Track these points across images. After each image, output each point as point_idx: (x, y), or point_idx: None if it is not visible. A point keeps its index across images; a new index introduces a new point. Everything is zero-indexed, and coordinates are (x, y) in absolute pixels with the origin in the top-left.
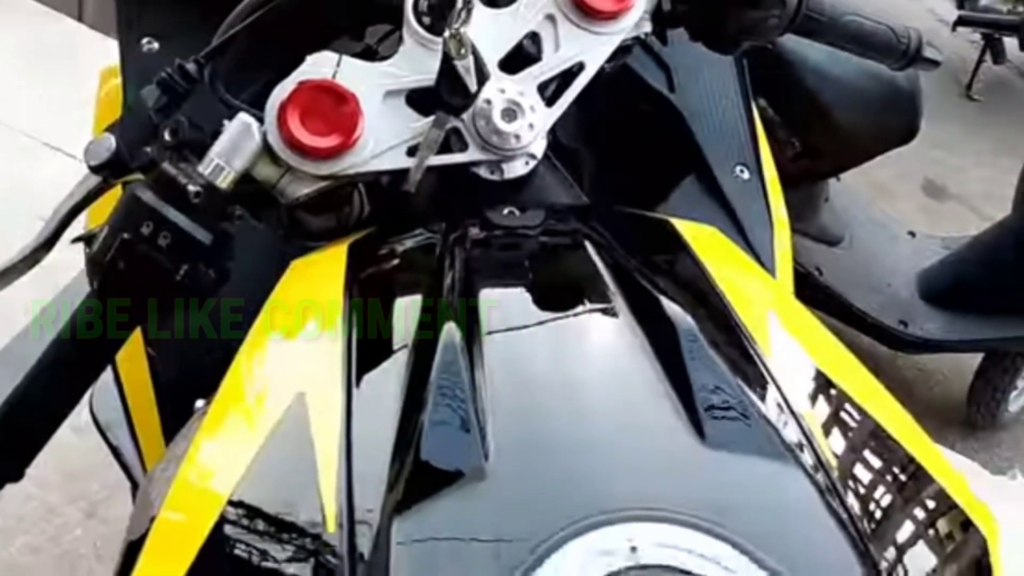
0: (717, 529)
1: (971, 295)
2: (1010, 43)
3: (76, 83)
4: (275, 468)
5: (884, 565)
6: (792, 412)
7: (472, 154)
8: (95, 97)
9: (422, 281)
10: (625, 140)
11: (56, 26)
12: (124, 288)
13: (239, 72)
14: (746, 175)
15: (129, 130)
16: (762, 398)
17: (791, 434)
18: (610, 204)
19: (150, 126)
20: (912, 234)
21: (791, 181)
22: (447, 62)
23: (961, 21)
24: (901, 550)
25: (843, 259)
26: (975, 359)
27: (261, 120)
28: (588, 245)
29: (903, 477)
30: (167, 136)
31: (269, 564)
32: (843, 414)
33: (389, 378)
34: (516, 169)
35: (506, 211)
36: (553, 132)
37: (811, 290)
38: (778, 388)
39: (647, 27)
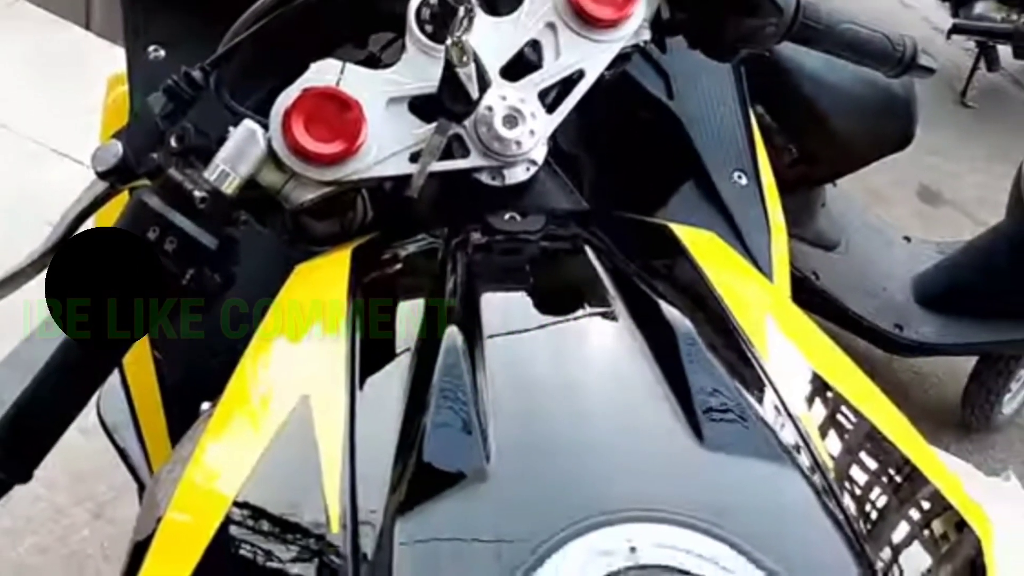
0: (715, 530)
1: (966, 299)
2: (1004, 51)
3: (83, 90)
4: (280, 469)
5: (880, 565)
6: (789, 414)
7: (474, 160)
8: (102, 104)
9: (424, 285)
10: (624, 146)
11: (64, 34)
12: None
13: (244, 79)
14: (744, 181)
15: (136, 136)
16: (759, 401)
17: (788, 436)
18: (610, 209)
19: (156, 132)
20: (907, 239)
21: (788, 187)
22: (449, 69)
23: (956, 29)
24: (897, 550)
25: (839, 264)
26: (969, 362)
27: (266, 127)
28: (588, 250)
29: (898, 478)
30: (173, 142)
31: (274, 564)
32: (839, 416)
33: (392, 381)
34: (517, 175)
35: (507, 216)
36: (554, 138)
37: (808, 294)
38: (775, 391)
39: (646, 35)
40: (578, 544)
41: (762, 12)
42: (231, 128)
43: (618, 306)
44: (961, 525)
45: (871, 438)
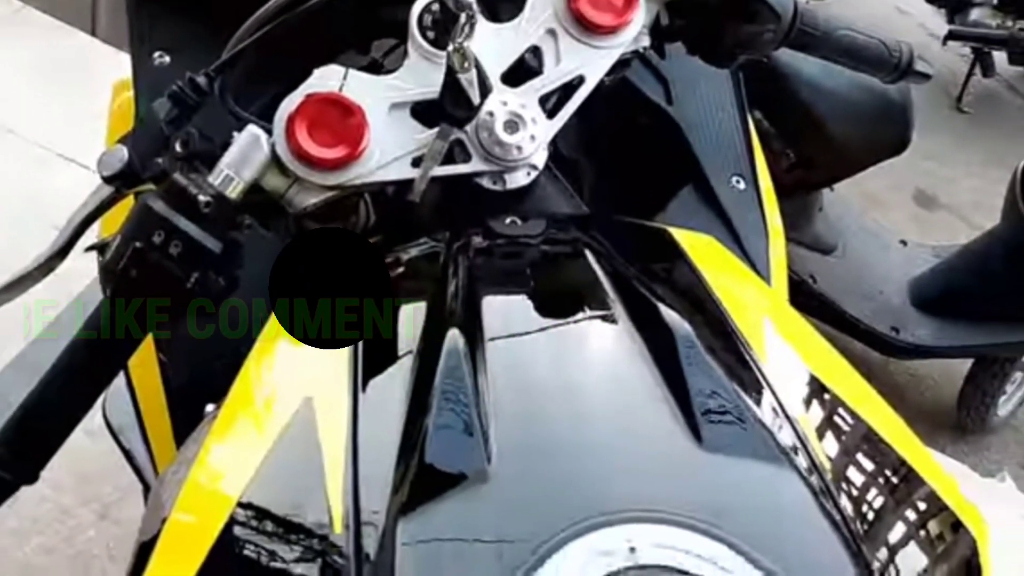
0: (714, 530)
1: (961, 302)
2: (999, 57)
3: (89, 96)
4: (283, 471)
5: (876, 565)
6: (787, 416)
7: (475, 165)
8: (108, 109)
9: (426, 288)
10: (624, 151)
11: (70, 40)
12: (136, 295)
13: (248, 85)
14: (742, 185)
15: (141, 142)
16: (757, 402)
17: (786, 438)
18: (609, 214)
19: (161, 138)
20: (903, 243)
21: (786, 191)
22: (451, 75)
23: (951, 35)
24: (893, 551)
25: (836, 267)
26: (965, 364)
27: (269, 132)
28: (588, 254)
29: (895, 479)
30: (178, 147)
31: (277, 564)
32: (836, 418)
33: (394, 383)
34: (518, 180)
35: (508, 220)
36: (554, 143)
37: (805, 297)
38: (773, 393)
39: (645, 41)
40: (578, 544)
41: (760, 18)
42: (235, 133)
43: (618, 309)
44: (957, 526)
45: (868, 440)
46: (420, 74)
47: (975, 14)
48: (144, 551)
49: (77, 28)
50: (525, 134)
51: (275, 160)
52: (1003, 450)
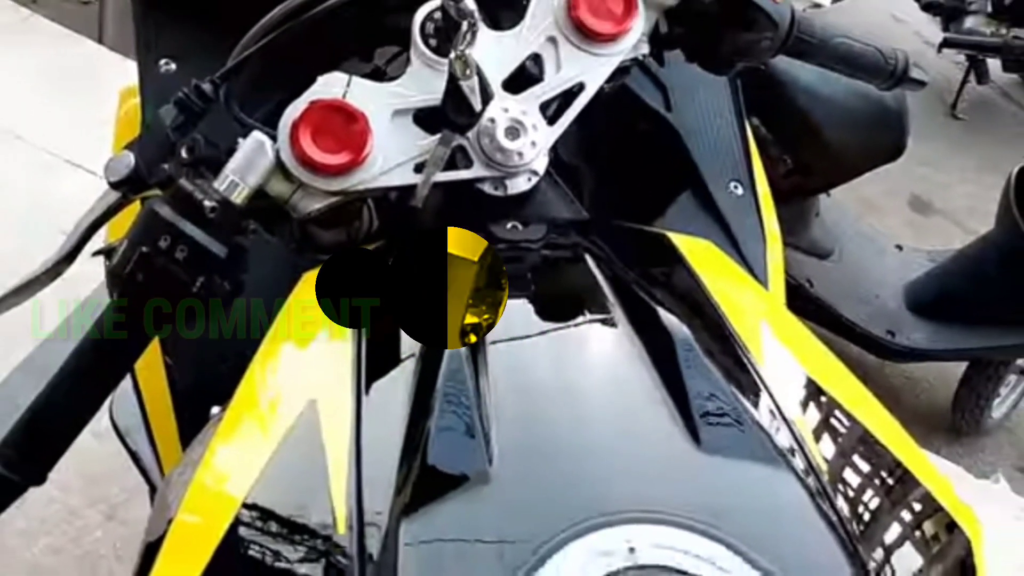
0: (712, 531)
1: (956, 306)
2: (993, 64)
3: (96, 103)
4: (288, 472)
5: (872, 565)
6: (784, 418)
7: (477, 171)
8: (115, 116)
9: None
10: (624, 157)
11: (77, 48)
12: (142, 299)
13: (253, 92)
14: (740, 191)
15: (147, 148)
16: (755, 405)
17: (783, 440)
18: (609, 219)
19: (167, 144)
20: (899, 247)
21: (783, 197)
22: (453, 82)
23: (946, 43)
24: (889, 551)
25: (833, 272)
26: (959, 367)
27: (274, 138)
28: (588, 258)
29: (891, 481)
30: (184, 153)
31: (282, 564)
32: (833, 420)
33: (397, 386)
34: (519, 185)
35: (509, 225)
36: (555, 149)
37: (802, 301)
38: (771, 395)
39: (645, 49)
40: (578, 545)
41: (758, 26)
42: (240, 139)
43: (617, 313)
44: (952, 526)
45: (864, 441)
46: (423, 81)
47: (970, 22)
48: (150, 551)
49: (84, 36)
50: (526, 140)
51: (279, 166)
52: (997, 452)
